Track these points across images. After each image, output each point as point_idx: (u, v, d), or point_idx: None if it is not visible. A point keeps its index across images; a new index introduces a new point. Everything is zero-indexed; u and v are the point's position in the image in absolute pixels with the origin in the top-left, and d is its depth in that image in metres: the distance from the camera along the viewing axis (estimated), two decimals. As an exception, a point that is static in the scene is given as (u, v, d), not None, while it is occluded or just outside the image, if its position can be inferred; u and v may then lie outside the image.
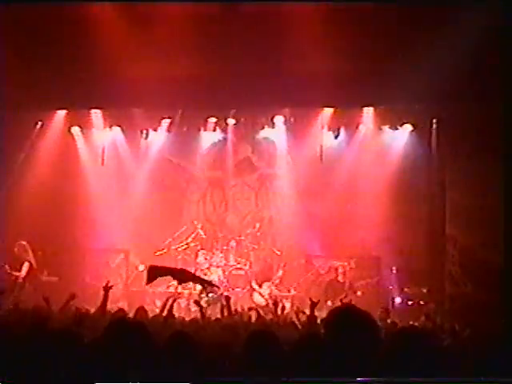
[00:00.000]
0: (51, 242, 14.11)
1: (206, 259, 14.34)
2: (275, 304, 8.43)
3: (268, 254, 14.61)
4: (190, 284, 12.15)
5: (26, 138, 14.18)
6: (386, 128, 14.19)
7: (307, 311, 7.44)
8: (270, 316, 8.68)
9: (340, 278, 13.57)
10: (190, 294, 13.09)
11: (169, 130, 14.77)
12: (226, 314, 8.23)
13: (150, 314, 8.33)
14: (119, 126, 14.68)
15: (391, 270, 13.64)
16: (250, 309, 9.60)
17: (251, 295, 13.57)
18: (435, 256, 13.32)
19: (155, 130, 14.85)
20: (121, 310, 8.49)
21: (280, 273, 14.16)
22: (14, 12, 10.70)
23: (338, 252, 14.21)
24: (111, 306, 7.80)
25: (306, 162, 14.51)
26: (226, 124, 14.72)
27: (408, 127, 13.97)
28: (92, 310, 8.17)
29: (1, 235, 13.07)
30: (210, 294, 12.62)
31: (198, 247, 14.71)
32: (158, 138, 14.96)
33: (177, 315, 8.51)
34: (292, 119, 14.36)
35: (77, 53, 11.36)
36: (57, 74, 11.90)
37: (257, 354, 3.98)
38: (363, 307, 3.76)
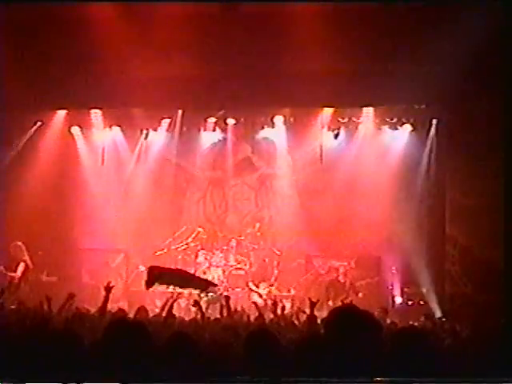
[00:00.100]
0: (51, 242, 14.11)
1: (206, 259, 14.34)
2: (274, 304, 8.42)
3: (267, 254, 14.61)
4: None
5: (26, 138, 14.18)
6: (385, 128, 14.19)
7: (307, 311, 7.44)
8: (269, 316, 8.67)
9: (341, 278, 13.57)
10: (190, 293, 13.06)
11: (169, 130, 14.78)
12: (225, 313, 8.22)
13: (151, 314, 8.33)
14: (119, 125, 14.68)
15: (391, 270, 13.64)
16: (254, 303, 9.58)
17: (249, 296, 13.55)
18: (435, 256, 13.32)
19: (155, 130, 14.85)
20: (121, 310, 8.49)
21: (275, 273, 14.14)
22: (14, 12, 10.69)
23: (338, 252, 14.22)
24: (111, 306, 7.79)
25: (305, 161, 14.52)
26: (226, 124, 14.72)
27: (408, 127, 13.97)
28: (92, 310, 8.18)
29: (1, 235, 13.07)
30: (210, 294, 12.61)
31: (198, 247, 14.72)
32: (158, 138, 14.96)
33: (177, 315, 8.50)
34: (292, 119, 14.36)
35: (77, 53, 11.36)
36: (57, 74, 11.90)
37: (256, 354, 3.98)
38: (363, 307, 3.76)
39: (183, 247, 14.74)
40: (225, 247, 14.66)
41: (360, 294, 13.07)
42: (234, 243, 14.67)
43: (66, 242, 14.24)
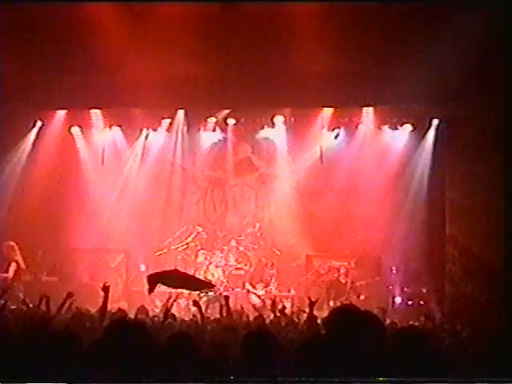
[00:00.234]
0: (51, 242, 14.11)
1: (205, 259, 14.33)
2: (274, 304, 8.42)
3: (267, 254, 14.59)
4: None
5: (26, 138, 14.19)
6: (385, 128, 14.19)
7: (307, 311, 7.44)
8: (269, 315, 8.68)
9: (341, 279, 13.57)
10: (190, 293, 13.06)
11: (169, 130, 14.78)
12: (225, 313, 8.22)
13: (151, 314, 8.33)
14: (119, 125, 14.67)
15: (391, 270, 13.64)
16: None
17: (247, 296, 13.52)
18: (435, 256, 13.32)
19: (155, 130, 14.85)
20: (121, 310, 8.49)
21: (272, 273, 14.12)
22: (14, 12, 10.70)
23: (338, 252, 14.22)
24: (111, 306, 7.79)
25: (305, 162, 14.51)
26: (226, 124, 14.71)
27: (408, 127, 13.97)
28: (92, 310, 8.18)
29: (0, 235, 13.07)
30: (210, 293, 12.61)
31: (198, 247, 14.70)
32: (158, 138, 14.95)
33: (177, 315, 8.51)
34: (292, 119, 14.36)
35: (77, 53, 11.35)
36: (57, 73, 11.90)
37: (253, 354, 3.97)
38: (363, 307, 3.76)
39: (183, 247, 14.73)
40: (225, 247, 14.65)
41: (362, 297, 13.04)
42: (233, 243, 14.67)
43: (66, 242, 14.23)
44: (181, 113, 14.39)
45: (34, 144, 14.27)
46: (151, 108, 13.75)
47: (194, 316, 8.46)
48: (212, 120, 14.63)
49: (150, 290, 7.57)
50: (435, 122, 13.55)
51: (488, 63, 10.62)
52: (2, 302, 7.07)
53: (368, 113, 13.93)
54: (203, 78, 12.08)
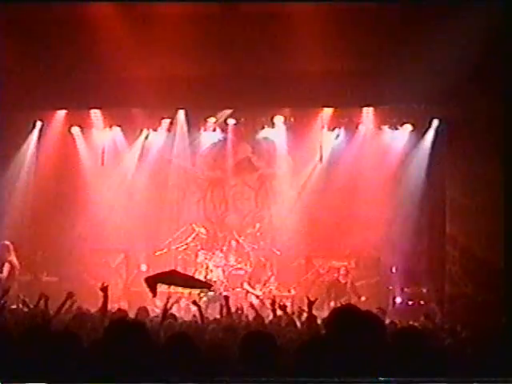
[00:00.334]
0: (51, 241, 14.11)
1: (205, 259, 14.33)
2: (273, 304, 8.41)
3: (267, 254, 14.59)
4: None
5: (26, 138, 14.19)
6: (385, 128, 14.19)
7: (307, 310, 7.43)
8: (268, 315, 8.67)
9: (341, 279, 13.56)
10: (190, 293, 13.07)
11: (169, 130, 14.78)
12: (225, 313, 8.22)
13: (151, 314, 8.33)
14: (119, 125, 14.67)
15: (391, 270, 13.63)
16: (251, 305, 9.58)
17: (245, 296, 13.50)
18: (435, 256, 13.32)
19: (155, 130, 14.84)
20: (121, 309, 8.49)
21: (270, 273, 14.12)
22: (14, 12, 10.70)
23: (338, 252, 14.22)
24: (111, 306, 7.80)
25: (305, 162, 14.51)
26: (226, 124, 14.72)
27: (408, 127, 13.97)
28: (92, 310, 8.18)
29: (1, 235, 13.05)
30: (210, 293, 12.61)
31: (198, 247, 14.71)
32: (158, 138, 14.95)
33: (177, 315, 8.50)
34: (292, 119, 14.36)
35: (77, 53, 11.36)
36: (57, 73, 11.90)
37: (251, 355, 3.97)
38: (363, 307, 3.76)
39: (183, 247, 14.73)
40: (225, 247, 14.65)
41: (363, 298, 13.02)
42: (233, 243, 14.67)
43: (65, 242, 14.22)
44: (181, 113, 14.39)
45: (33, 144, 14.27)
46: (151, 108, 13.75)
47: (194, 316, 8.46)
48: (212, 120, 14.63)
49: (153, 293, 7.58)
50: (435, 122, 13.55)
51: (488, 63, 10.62)
52: (2, 302, 7.06)
53: (368, 113, 13.93)
54: (203, 78, 12.08)
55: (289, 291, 13.83)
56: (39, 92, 12.29)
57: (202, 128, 14.86)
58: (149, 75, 12.00)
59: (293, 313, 9.14)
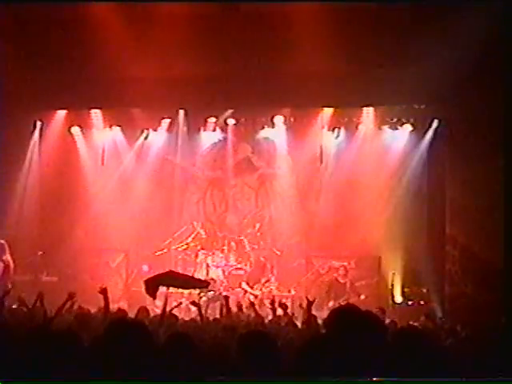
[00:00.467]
0: (51, 241, 14.11)
1: (205, 259, 14.32)
2: (273, 304, 8.42)
3: (267, 254, 14.59)
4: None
5: (26, 138, 14.19)
6: (385, 128, 14.19)
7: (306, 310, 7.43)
8: (268, 315, 8.68)
9: (341, 279, 13.56)
10: (190, 293, 13.07)
11: (169, 130, 14.78)
12: (225, 313, 8.23)
13: (152, 314, 8.33)
14: (119, 125, 14.68)
15: (391, 270, 13.63)
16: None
17: (243, 296, 13.49)
18: (435, 256, 13.32)
19: (155, 130, 14.85)
20: (121, 309, 8.49)
21: (270, 273, 14.12)
22: (14, 12, 10.70)
23: (338, 252, 14.22)
24: (111, 306, 7.79)
25: (305, 161, 14.52)
26: (226, 124, 14.72)
27: (408, 127, 13.98)
28: (92, 310, 8.18)
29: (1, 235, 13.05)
30: (210, 293, 12.61)
31: (198, 247, 14.71)
32: (158, 138, 14.96)
33: (177, 315, 8.50)
34: (292, 119, 14.38)
35: (77, 53, 11.36)
36: (57, 73, 11.90)
37: (249, 355, 3.97)
38: (363, 307, 3.76)
39: (183, 247, 14.74)
40: (225, 247, 14.66)
41: (362, 296, 13.05)
42: (233, 243, 14.67)
43: (65, 242, 14.23)
44: (181, 113, 14.39)
45: (33, 144, 14.29)
46: (151, 108, 13.76)
47: (194, 316, 8.46)
48: (212, 120, 14.64)
49: (153, 296, 7.58)
50: (435, 122, 13.55)
51: (488, 63, 10.62)
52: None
53: (368, 113, 13.94)
54: (203, 78, 12.08)
55: (289, 291, 13.83)
56: (39, 92, 12.29)
57: (202, 128, 14.86)
58: (149, 75, 12.00)
59: (293, 313, 9.15)
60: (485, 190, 11.90)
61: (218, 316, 8.79)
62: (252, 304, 9.09)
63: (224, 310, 8.32)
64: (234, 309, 9.18)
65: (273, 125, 14.56)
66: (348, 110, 14.00)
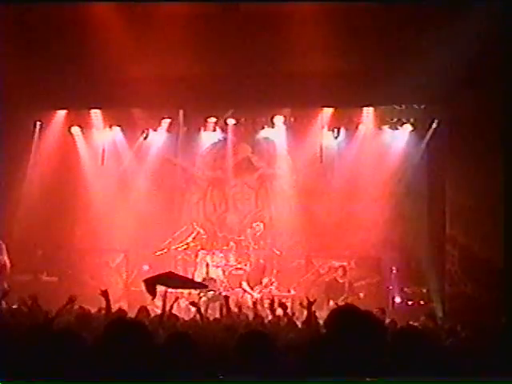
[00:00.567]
0: (51, 241, 14.11)
1: (205, 259, 14.33)
2: (272, 304, 8.42)
3: (267, 254, 14.59)
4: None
5: (26, 138, 14.18)
6: (385, 128, 14.19)
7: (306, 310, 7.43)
8: (267, 315, 8.68)
9: (341, 279, 13.56)
10: (190, 293, 13.07)
11: (169, 130, 14.78)
12: (225, 313, 8.23)
13: (152, 315, 8.34)
14: (119, 125, 14.68)
15: (391, 270, 13.64)
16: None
17: (243, 296, 13.49)
18: (435, 256, 13.32)
19: (155, 130, 14.85)
20: (121, 309, 8.49)
21: (269, 274, 14.11)
22: (14, 12, 10.70)
23: (337, 252, 14.22)
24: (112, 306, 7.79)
25: (306, 161, 14.52)
26: (226, 124, 14.72)
27: (408, 127, 13.98)
28: (93, 310, 8.19)
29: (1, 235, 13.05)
30: (210, 293, 12.62)
31: (198, 247, 14.72)
32: (158, 138, 14.96)
33: (177, 315, 8.51)
34: (292, 119, 14.37)
35: (77, 53, 11.36)
36: (57, 74, 11.90)
37: (249, 355, 3.97)
38: (363, 307, 3.76)
39: (183, 247, 14.74)
40: (225, 247, 14.66)
41: (361, 294, 13.06)
42: (233, 243, 14.68)
43: (65, 242, 14.24)
44: (181, 113, 14.39)
45: (33, 144, 14.28)
46: (151, 108, 13.77)
47: (194, 316, 8.46)
48: (212, 120, 14.64)
49: (152, 294, 7.59)
50: (435, 122, 13.55)
51: (488, 63, 10.62)
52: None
53: (368, 113, 13.94)
54: (203, 78, 12.08)
55: (289, 291, 13.83)
56: (39, 92, 12.29)
57: (202, 128, 14.86)
58: (149, 75, 12.00)
59: (293, 313, 9.15)
60: (485, 190, 11.90)
61: (217, 316, 8.79)
62: (252, 304, 9.10)
63: (224, 310, 8.32)
64: (234, 309, 9.18)
65: (273, 125, 14.56)
66: (348, 110, 14.00)
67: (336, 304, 11.31)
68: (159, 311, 8.50)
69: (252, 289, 13.72)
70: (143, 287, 7.85)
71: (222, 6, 11.15)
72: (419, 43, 10.75)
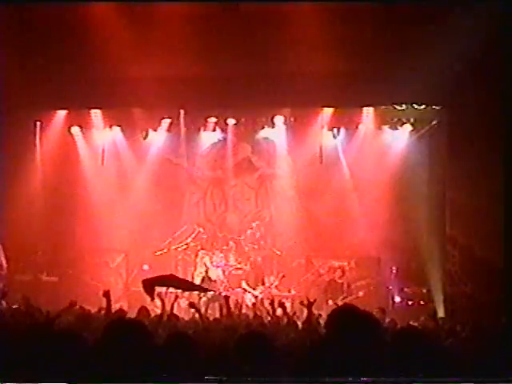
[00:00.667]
0: (51, 241, 14.11)
1: (205, 259, 14.32)
2: (272, 304, 8.42)
3: (267, 254, 14.59)
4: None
5: (26, 138, 14.18)
6: (385, 128, 14.19)
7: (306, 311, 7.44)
8: (267, 315, 8.68)
9: (341, 279, 13.56)
10: (191, 293, 13.06)
11: (169, 130, 14.78)
12: (225, 313, 8.23)
13: (152, 315, 8.34)
14: (119, 125, 14.67)
15: (391, 270, 13.64)
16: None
17: (243, 295, 13.47)
18: (435, 256, 13.32)
19: (155, 130, 14.84)
20: (121, 310, 8.50)
21: (269, 274, 14.11)
22: (14, 12, 10.70)
23: (338, 252, 14.22)
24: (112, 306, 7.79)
25: (305, 161, 14.52)
26: (226, 124, 14.71)
27: (408, 127, 13.98)
28: (93, 310, 8.19)
29: (1, 235, 13.05)
30: (210, 293, 12.61)
31: (198, 247, 14.71)
32: (158, 138, 14.95)
33: (178, 315, 8.51)
34: (292, 119, 14.37)
35: (77, 53, 11.36)
36: (57, 73, 11.90)
37: (247, 356, 3.97)
38: (363, 307, 3.76)
39: (183, 247, 14.74)
40: (225, 247, 14.65)
41: (361, 293, 13.06)
42: (233, 243, 14.67)
43: (65, 242, 14.24)
44: (181, 113, 14.39)
45: (33, 144, 14.28)
46: (151, 108, 13.75)
47: (194, 316, 8.46)
48: (212, 120, 14.63)
49: (150, 296, 7.59)
50: (435, 122, 13.55)
51: (488, 63, 10.62)
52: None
53: (368, 113, 13.93)
54: (203, 78, 12.08)
55: (289, 291, 13.82)
56: (39, 92, 12.29)
57: (202, 128, 14.86)
58: (149, 75, 12.00)
59: (294, 313, 9.15)
60: (485, 189, 11.90)
61: (218, 316, 8.79)
62: (252, 304, 9.10)
63: (224, 311, 8.32)
64: (234, 309, 9.18)
65: (273, 125, 14.56)
66: (348, 110, 13.99)
67: (335, 304, 11.34)
68: (159, 311, 8.51)
69: (253, 288, 13.70)
70: (141, 287, 7.85)
71: (221, 5, 11.15)
72: (419, 43, 10.75)
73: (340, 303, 11.31)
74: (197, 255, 14.55)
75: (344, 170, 14.29)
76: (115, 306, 8.78)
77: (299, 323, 7.65)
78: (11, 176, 13.60)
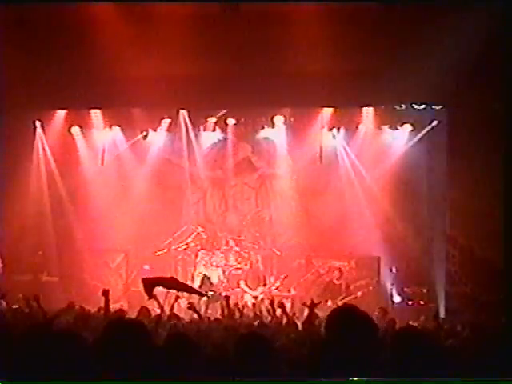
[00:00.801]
0: (51, 241, 14.11)
1: (205, 259, 14.32)
2: (272, 304, 8.42)
3: (267, 254, 14.59)
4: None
5: (26, 138, 14.19)
6: (386, 128, 14.20)
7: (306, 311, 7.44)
8: (267, 315, 8.68)
9: (340, 279, 13.56)
10: (190, 294, 13.05)
11: (169, 130, 14.78)
12: (225, 313, 8.22)
13: (153, 315, 8.34)
14: (119, 125, 14.68)
15: (391, 270, 13.64)
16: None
17: (242, 296, 13.47)
18: (435, 256, 13.32)
19: (155, 130, 14.85)
20: (121, 310, 8.50)
21: (269, 274, 14.11)
22: (15, 12, 10.70)
23: (338, 252, 14.22)
24: (112, 306, 7.79)
25: (306, 161, 14.52)
26: (226, 124, 14.72)
27: (408, 127, 13.98)
28: (92, 310, 8.19)
29: (1, 235, 13.06)
30: (210, 293, 12.61)
31: (198, 247, 14.71)
32: (158, 138, 14.96)
33: (179, 315, 8.51)
34: (292, 119, 14.38)
35: (77, 53, 11.36)
36: (57, 73, 11.90)
37: (247, 356, 3.96)
38: (363, 307, 3.76)
39: (183, 247, 14.73)
40: (225, 247, 14.66)
41: (359, 293, 13.07)
42: (233, 243, 14.67)
43: (66, 242, 14.24)
44: (181, 113, 14.40)
45: (33, 144, 14.29)
46: (151, 108, 13.76)
47: (194, 316, 8.46)
48: (212, 120, 14.64)
49: (149, 295, 7.59)
50: (435, 122, 13.55)
51: (488, 63, 10.62)
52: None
53: (368, 113, 13.94)
54: (203, 78, 12.08)
55: (289, 291, 13.83)
56: (39, 92, 12.29)
57: (202, 128, 14.86)
58: (149, 75, 12.00)
59: (294, 313, 9.15)
60: (485, 190, 11.90)
61: (218, 316, 8.79)
62: (252, 304, 9.10)
63: (224, 311, 8.32)
64: (234, 309, 9.18)
65: (273, 125, 14.57)
66: (348, 110, 14.00)
67: (335, 304, 11.36)
68: (159, 311, 8.51)
69: (253, 288, 13.71)
70: (141, 286, 7.85)
71: (221, 5, 11.15)
72: (419, 43, 10.75)
73: (340, 303, 11.33)
74: (197, 255, 14.55)
75: (344, 170, 14.29)
76: (115, 306, 8.80)
77: (299, 323, 7.66)
78: (11, 176, 13.61)
